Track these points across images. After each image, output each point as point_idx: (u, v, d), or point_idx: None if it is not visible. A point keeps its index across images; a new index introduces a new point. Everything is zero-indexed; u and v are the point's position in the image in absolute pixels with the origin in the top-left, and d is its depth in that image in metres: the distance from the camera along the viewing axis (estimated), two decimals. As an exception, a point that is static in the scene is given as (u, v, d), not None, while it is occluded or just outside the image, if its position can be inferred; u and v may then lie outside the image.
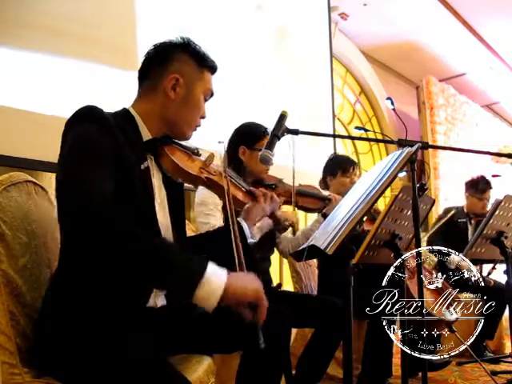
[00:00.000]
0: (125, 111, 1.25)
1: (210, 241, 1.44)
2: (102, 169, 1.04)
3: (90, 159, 1.04)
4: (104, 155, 1.06)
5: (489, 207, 3.64)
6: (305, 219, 4.63)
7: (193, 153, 1.34)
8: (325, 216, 2.28)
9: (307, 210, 2.11)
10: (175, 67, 1.25)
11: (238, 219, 1.45)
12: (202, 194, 1.94)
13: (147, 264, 0.94)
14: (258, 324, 0.99)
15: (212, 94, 1.33)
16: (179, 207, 1.36)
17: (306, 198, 2.04)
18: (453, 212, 3.57)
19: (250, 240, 1.44)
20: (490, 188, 3.66)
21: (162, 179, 1.30)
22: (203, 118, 1.32)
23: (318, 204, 2.12)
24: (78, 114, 1.12)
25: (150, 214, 1.18)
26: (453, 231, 3.48)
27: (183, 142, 1.34)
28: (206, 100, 1.31)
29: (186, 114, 1.27)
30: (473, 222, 3.59)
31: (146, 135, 1.24)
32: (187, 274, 0.93)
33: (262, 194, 1.48)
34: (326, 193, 2.40)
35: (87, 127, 1.09)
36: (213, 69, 1.32)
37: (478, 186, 3.65)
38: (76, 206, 0.95)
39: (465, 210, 3.70)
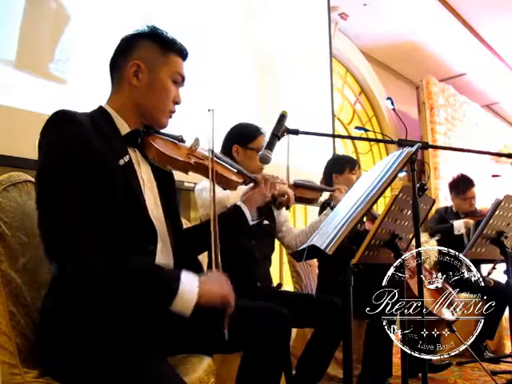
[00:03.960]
0: (100, 109, 1.24)
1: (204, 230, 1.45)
2: (75, 192, 1.04)
3: (64, 185, 1.04)
4: (77, 170, 1.06)
5: (476, 205, 3.65)
6: (305, 215, 4.64)
7: (178, 140, 1.33)
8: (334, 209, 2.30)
9: (306, 200, 2.12)
10: (137, 54, 1.24)
11: (238, 203, 1.47)
12: (204, 197, 1.93)
13: (128, 294, 1.06)
14: (224, 318, 1.13)
15: (183, 79, 1.30)
16: (171, 197, 1.35)
17: (302, 190, 2.06)
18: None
19: (250, 222, 1.45)
20: (472, 186, 3.60)
21: (152, 170, 1.29)
22: (177, 103, 1.30)
23: (316, 194, 2.14)
24: (50, 122, 1.10)
25: (139, 207, 1.17)
26: (447, 231, 3.49)
27: (166, 131, 1.32)
28: (177, 84, 1.29)
29: (153, 99, 1.25)
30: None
31: (125, 129, 1.23)
32: (163, 294, 1.06)
33: (264, 180, 1.51)
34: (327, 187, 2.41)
35: (58, 138, 1.08)
36: (181, 52, 1.29)
37: (459, 187, 3.63)
38: (52, 252, 1.01)
39: (454, 210, 3.69)
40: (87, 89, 2.35)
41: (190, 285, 1.07)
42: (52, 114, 1.11)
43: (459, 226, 3.45)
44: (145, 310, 1.09)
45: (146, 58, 1.24)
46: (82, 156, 1.08)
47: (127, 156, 1.19)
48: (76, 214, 1.02)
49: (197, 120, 2.08)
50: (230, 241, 1.57)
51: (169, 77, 1.26)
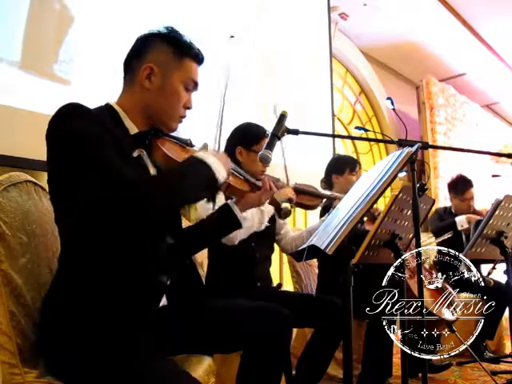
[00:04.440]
0: (108, 106, 1.24)
1: (205, 228, 1.45)
2: (110, 152, 1.06)
3: (98, 148, 1.04)
4: (105, 141, 1.07)
5: (476, 206, 3.68)
6: (304, 218, 4.64)
7: (186, 144, 1.32)
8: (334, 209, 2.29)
9: (305, 206, 2.11)
10: (151, 56, 1.23)
11: (228, 202, 1.43)
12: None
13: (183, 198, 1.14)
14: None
15: (196, 85, 1.29)
16: None
17: (303, 195, 2.05)
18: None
19: (242, 223, 1.42)
20: (471, 187, 3.63)
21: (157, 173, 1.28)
22: (188, 108, 1.29)
23: (316, 201, 2.12)
24: (63, 111, 1.09)
25: None
26: (449, 227, 3.50)
27: (175, 134, 1.32)
28: (188, 90, 1.28)
29: (163, 103, 1.24)
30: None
31: (132, 129, 1.22)
32: (203, 178, 1.14)
33: (266, 187, 1.47)
34: (327, 192, 2.40)
35: (78, 122, 1.07)
36: (196, 58, 1.28)
37: (458, 187, 3.65)
38: (105, 194, 0.99)
39: (452, 211, 3.72)
40: (91, 90, 2.36)
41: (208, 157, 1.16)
42: (62, 106, 1.10)
43: (461, 221, 3.48)
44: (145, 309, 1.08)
45: (160, 61, 1.23)
46: (105, 135, 1.08)
47: (136, 151, 1.20)
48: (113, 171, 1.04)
49: (197, 120, 2.08)
50: (219, 238, 1.57)
51: (181, 82, 1.25)
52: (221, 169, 1.17)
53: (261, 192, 1.47)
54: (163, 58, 1.24)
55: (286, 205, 1.75)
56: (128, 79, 1.26)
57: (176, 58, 1.25)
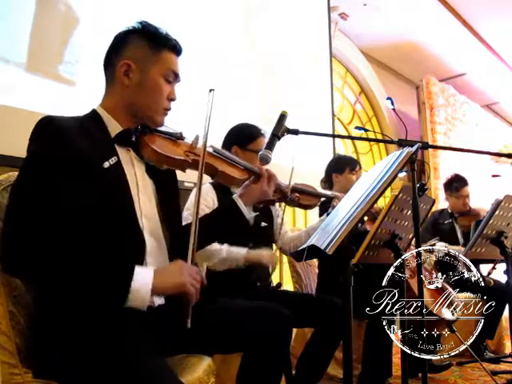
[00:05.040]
0: (92, 111, 1.24)
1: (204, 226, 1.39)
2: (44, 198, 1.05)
3: (32, 199, 1.05)
4: (56, 170, 1.06)
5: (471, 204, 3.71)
6: (304, 218, 4.64)
7: (176, 137, 1.31)
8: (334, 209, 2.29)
9: (303, 206, 2.11)
10: (128, 53, 1.23)
11: (233, 197, 1.39)
12: (191, 200, 1.94)
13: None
14: (186, 306, 1.10)
15: (177, 75, 1.28)
16: (170, 196, 1.33)
17: (301, 195, 2.04)
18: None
19: (248, 217, 1.38)
20: (466, 185, 3.70)
21: (147, 170, 1.27)
22: (172, 100, 1.28)
23: (314, 200, 2.12)
24: (34, 129, 1.10)
25: (123, 209, 1.15)
26: (440, 234, 3.53)
27: (164, 128, 1.30)
28: (170, 82, 1.26)
29: (144, 98, 1.23)
30: (459, 221, 3.65)
31: (117, 129, 1.22)
32: (115, 293, 1.04)
33: (267, 175, 1.41)
34: (326, 192, 2.40)
35: (35, 146, 1.09)
36: (174, 49, 1.27)
37: (453, 185, 3.71)
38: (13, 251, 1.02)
39: (449, 211, 3.76)
40: (96, 90, 2.35)
41: (142, 281, 1.05)
42: (38, 120, 1.11)
43: (441, 246, 3.53)
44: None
45: (137, 57, 1.23)
46: (54, 160, 1.07)
47: (114, 158, 1.17)
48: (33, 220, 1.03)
49: (197, 119, 2.08)
50: (225, 236, 1.53)
51: (161, 75, 1.24)
52: (143, 296, 1.04)
53: (261, 180, 1.41)
54: (140, 53, 1.23)
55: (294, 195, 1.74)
56: (109, 78, 1.27)
57: (153, 52, 1.24)
